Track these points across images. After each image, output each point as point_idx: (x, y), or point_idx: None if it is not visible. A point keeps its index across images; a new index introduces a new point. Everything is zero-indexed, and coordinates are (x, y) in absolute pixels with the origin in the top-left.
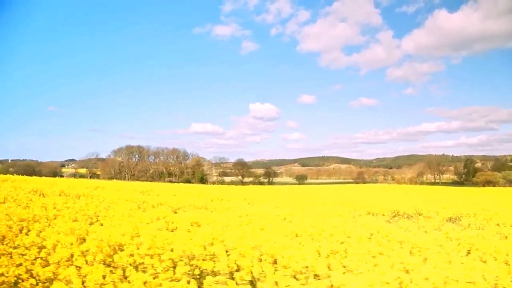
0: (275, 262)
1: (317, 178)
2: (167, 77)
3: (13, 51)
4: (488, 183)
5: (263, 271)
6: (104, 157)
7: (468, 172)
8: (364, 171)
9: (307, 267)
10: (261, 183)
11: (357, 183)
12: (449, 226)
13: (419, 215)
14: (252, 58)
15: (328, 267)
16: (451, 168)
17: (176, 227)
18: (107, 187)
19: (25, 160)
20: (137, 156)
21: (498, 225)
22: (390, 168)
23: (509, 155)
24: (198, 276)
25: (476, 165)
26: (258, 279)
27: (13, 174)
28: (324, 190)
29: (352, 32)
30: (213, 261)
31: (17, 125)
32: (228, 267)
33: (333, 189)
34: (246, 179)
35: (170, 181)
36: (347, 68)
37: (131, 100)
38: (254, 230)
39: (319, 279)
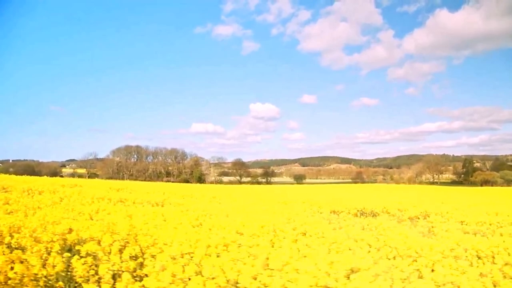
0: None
1: (316, 178)
2: (168, 77)
3: (13, 51)
4: (486, 182)
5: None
6: (102, 157)
7: (466, 172)
8: (363, 171)
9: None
10: (259, 183)
11: (355, 183)
12: (396, 223)
13: (388, 213)
14: (253, 58)
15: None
16: (451, 167)
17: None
18: (84, 185)
19: (26, 160)
20: (135, 156)
21: (456, 223)
22: (390, 168)
23: (510, 155)
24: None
25: (476, 164)
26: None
27: (12, 175)
28: (309, 189)
29: (353, 32)
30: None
31: (18, 125)
32: (100, 246)
33: (317, 189)
34: (244, 179)
35: (168, 181)
36: (348, 68)
37: (131, 100)
38: (181, 222)
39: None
